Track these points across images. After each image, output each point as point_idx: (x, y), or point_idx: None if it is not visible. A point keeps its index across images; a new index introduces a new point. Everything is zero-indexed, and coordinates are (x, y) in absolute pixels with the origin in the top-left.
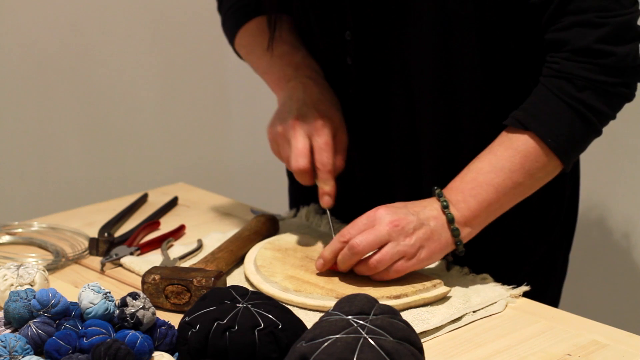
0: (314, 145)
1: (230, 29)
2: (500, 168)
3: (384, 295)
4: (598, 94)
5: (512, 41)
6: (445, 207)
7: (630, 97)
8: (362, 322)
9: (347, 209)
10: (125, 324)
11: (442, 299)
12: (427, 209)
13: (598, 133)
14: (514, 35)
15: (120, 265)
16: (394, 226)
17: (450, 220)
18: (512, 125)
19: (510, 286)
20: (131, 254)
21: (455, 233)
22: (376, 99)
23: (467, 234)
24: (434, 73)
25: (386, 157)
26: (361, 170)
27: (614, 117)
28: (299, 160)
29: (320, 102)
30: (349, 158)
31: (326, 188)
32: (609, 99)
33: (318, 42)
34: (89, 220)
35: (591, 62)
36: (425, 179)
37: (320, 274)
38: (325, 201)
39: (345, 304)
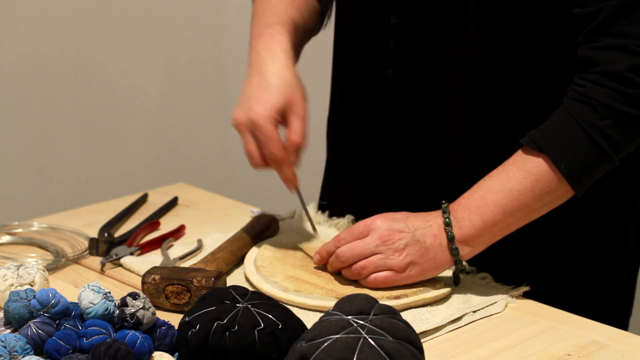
0: (258, 141)
1: None
2: (510, 189)
3: (384, 296)
4: (618, 125)
5: (553, 48)
6: (447, 225)
7: None
8: (362, 322)
9: (361, 201)
10: (125, 324)
11: (442, 299)
12: (428, 224)
13: (613, 163)
14: (556, 43)
15: (120, 265)
16: (384, 241)
17: (450, 239)
18: (527, 145)
19: (511, 286)
20: (131, 254)
21: (454, 252)
22: (415, 85)
23: (467, 252)
24: (472, 68)
25: (417, 148)
26: (385, 163)
27: (630, 150)
28: (253, 162)
29: (265, 81)
30: (368, 153)
31: (282, 175)
32: (628, 131)
33: (361, 25)
34: (89, 220)
35: (618, 89)
36: (455, 177)
37: (320, 274)
38: (289, 187)
39: (345, 304)
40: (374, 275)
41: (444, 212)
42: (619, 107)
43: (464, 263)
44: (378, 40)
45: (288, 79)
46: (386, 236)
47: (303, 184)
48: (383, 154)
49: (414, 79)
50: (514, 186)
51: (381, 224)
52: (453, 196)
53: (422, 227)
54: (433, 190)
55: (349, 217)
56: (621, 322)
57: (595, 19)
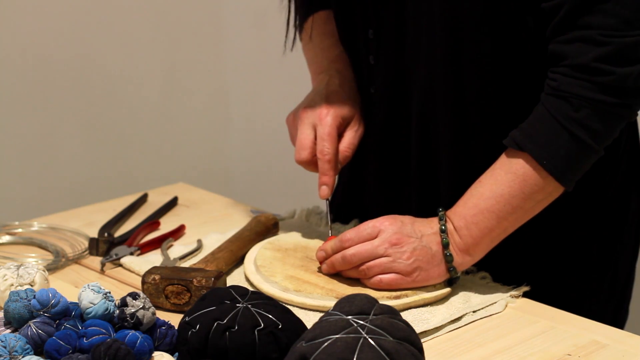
0: (317, 135)
1: (299, 23)
2: (501, 194)
3: (384, 295)
4: (595, 114)
5: (524, 45)
6: (442, 232)
7: (630, 119)
8: (362, 322)
9: (358, 210)
10: (125, 324)
11: (442, 299)
12: (433, 231)
13: (598, 153)
14: (526, 39)
15: (120, 265)
16: (392, 244)
17: (445, 245)
18: (509, 145)
19: (511, 286)
20: (131, 254)
21: (448, 259)
22: (396, 99)
23: (467, 261)
24: (445, 75)
25: (404, 159)
26: (377, 172)
27: (612, 137)
28: (301, 153)
29: (335, 93)
30: (364, 159)
31: (324, 178)
32: (606, 119)
33: (345, 41)
34: (89, 220)
35: (588, 79)
36: (442, 182)
37: (320, 274)
38: (322, 191)
39: (345, 304)
40: (380, 276)
41: (440, 220)
42: (592, 96)
43: (458, 271)
44: (359, 57)
45: (351, 97)
46: (395, 240)
47: (308, 192)
48: (376, 164)
49: (394, 92)
50: (503, 190)
51: (390, 226)
52: (443, 203)
53: (428, 233)
54: (420, 197)
55: (355, 222)
56: (615, 320)
57: (559, 11)
